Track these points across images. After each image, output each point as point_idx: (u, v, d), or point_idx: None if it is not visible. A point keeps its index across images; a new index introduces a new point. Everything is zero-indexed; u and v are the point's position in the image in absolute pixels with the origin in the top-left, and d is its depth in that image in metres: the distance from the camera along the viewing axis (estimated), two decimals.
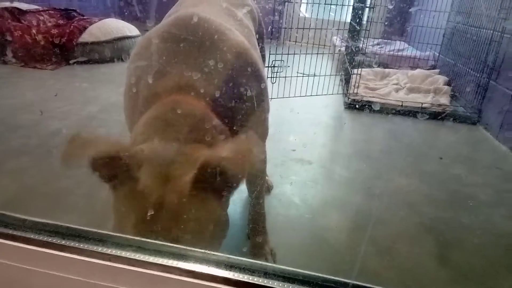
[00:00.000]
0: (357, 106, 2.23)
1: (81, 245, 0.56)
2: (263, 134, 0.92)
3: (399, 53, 2.94)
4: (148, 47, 0.80)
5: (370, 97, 2.30)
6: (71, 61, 2.62)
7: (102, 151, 0.59)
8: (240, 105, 0.81)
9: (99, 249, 0.56)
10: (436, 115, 2.21)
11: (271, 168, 1.54)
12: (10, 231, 0.58)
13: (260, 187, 1.12)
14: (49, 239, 0.57)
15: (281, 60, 2.22)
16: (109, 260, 0.56)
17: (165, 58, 0.76)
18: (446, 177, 1.64)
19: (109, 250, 0.56)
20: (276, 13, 2.35)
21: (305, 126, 2.09)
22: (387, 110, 2.21)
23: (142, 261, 0.56)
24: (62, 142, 1.68)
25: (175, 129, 0.65)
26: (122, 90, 2.23)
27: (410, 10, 3.26)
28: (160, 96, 0.71)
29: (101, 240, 0.57)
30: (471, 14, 2.50)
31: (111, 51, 2.78)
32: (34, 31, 2.68)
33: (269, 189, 1.40)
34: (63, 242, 0.57)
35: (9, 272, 0.59)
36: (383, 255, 1.11)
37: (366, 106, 2.22)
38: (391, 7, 3.15)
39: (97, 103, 2.18)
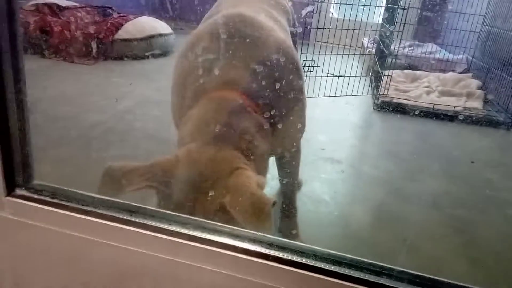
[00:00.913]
0: (387, 107, 2.23)
1: (147, 221, 0.62)
2: (301, 129, 0.96)
3: (431, 56, 2.92)
4: (198, 45, 0.84)
5: (400, 99, 2.29)
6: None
7: (134, 184, 0.63)
8: (283, 100, 0.85)
9: (163, 225, 0.61)
10: (468, 119, 2.19)
11: (301, 166, 1.57)
12: (82, 206, 0.64)
13: (292, 187, 1.15)
14: (118, 215, 0.62)
15: (312, 60, 2.25)
16: (171, 235, 0.61)
17: (215, 55, 0.80)
18: (477, 181, 1.63)
19: (172, 227, 0.61)
20: (307, 13, 2.38)
21: (334, 126, 2.11)
22: (418, 113, 2.20)
23: (201, 238, 0.61)
24: (99, 135, 1.75)
25: (219, 129, 0.68)
26: (155, 85, 2.32)
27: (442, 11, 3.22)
28: (208, 92, 0.75)
29: (165, 218, 0.62)
30: (507, 18, 2.45)
31: (145, 48, 2.88)
32: (73, 27, 2.81)
33: (299, 186, 1.43)
34: (130, 218, 0.62)
35: (78, 243, 0.65)
36: (412, 254, 1.12)
37: (396, 108, 2.22)
38: (423, 10, 3.12)
39: (132, 98, 2.26)
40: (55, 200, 0.64)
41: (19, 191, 0.65)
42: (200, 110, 0.72)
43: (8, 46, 0.62)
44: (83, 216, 0.63)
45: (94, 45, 2.76)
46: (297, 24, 1.35)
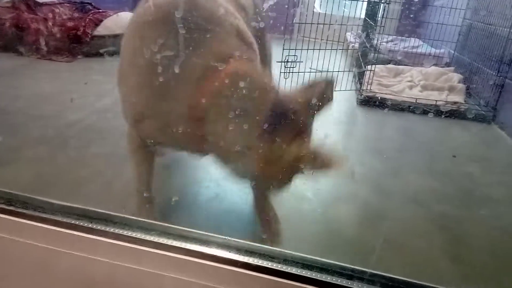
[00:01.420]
0: (370, 102, 2.22)
1: (108, 228, 0.59)
2: None
3: (413, 50, 2.92)
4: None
5: (383, 93, 2.29)
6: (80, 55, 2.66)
7: None
8: None
9: (125, 232, 0.58)
10: (450, 113, 2.20)
11: None
12: (39, 214, 0.60)
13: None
14: (77, 222, 0.59)
15: (294, 55, 2.22)
16: (135, 243, 0.58)
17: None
18: (460, 175, 1.63)
19: (135, 234, 0.58)
20: (290, 8, 2.35)
21: (317, 122, 2.09)
22: (400, 107, 2.20)
23: (166, 244, 0.58)
24: (78, 133, 1.71)
25: None
26: None
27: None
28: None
29: (127, 224, 0.59)
30: (488, 12, 2.46)
31: None
32: (50, 23, 2.73)
33: None
34: (91, 225, 0.59)
35: (37, 253, 0.61)
36: (395, 250, 1.11)
37: (379, 103, 2.22)
38: (405, 4, 3.12)
39: (111, 96, 2.21)
40: (11, 208, 0.60)
41: None
42: None
43: None
44: (40, 225, 0.59)
45: (72, 42, 2.68)
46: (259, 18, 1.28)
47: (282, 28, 2.15)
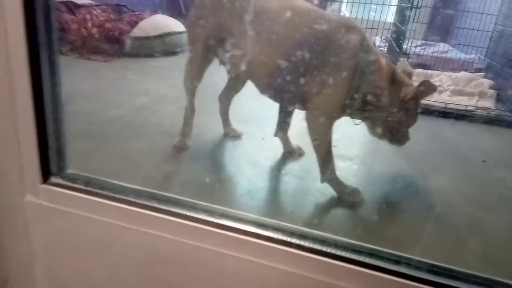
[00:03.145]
0: None
1: (174, 209, 0.65)
2: None
3: (443, 55, 2.91)
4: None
5: None
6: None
7: None
8: None
9: (190, 213, 0.65)
10: (480, 119, 2.19)
11: (314, 162, 1.59)
12: (114, 194, 0.67)
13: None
14: (147, 202, 0.66)
15: None
16: (198, 223, 0.64)
17: None
18: (490, 180, 1.63)
19: (199, 215, 0.65)
20: None
21: (345, 124, 2.12)
22: (429, 112, 2.20)
23: (227, 225, 0.64)
24: (117, 129, 1.80)
25: None
26: (170, 83, 2.36)
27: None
28: None
29: (192, 206, 0.66)
30: None
31: (160, 46, 2.92)
32: (89, 24, 2.86)
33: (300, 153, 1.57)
34: (159, 205, 0.66)
35: (110, 229, 0.68)
36: (424, 251, 1.14)
37: None
38: (435, 9, 3.12)
39: (148, 95, 2.30)
40: (88, 188, 0.68)
41: (54, 179, 0.69)
42: None
43: (46, 41, 0.66)
44: (114, 203, 0.66)
45: (109, 42, 2.81)
46: None
47: None
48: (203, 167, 1.48)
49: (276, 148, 1.66)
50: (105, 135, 1.73)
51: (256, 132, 1.75)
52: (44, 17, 0.64)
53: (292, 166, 1.52)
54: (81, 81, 2.44)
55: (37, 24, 0.62)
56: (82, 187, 0.68)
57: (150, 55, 2.86)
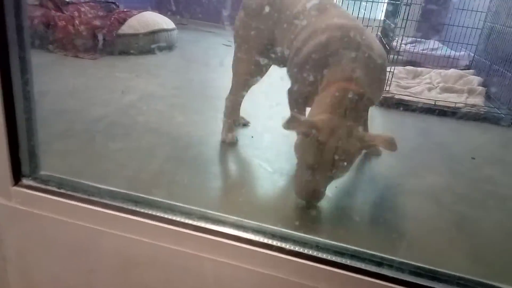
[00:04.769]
0: (388, 103, 2.23)
1: (152, 212, 0.63)
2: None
3: (433, 52, 2.91)
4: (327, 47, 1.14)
5: (402, 95, 2.30)
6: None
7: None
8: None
9: (168, 216, 0.63)
10: (469, 116, 2.19)
11: None
12: (88, 197, 0.65)
13: None
14: (123, 205, 0.63)
15: None
16: (176, 226, 0.62)
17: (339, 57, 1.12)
18: (479, 177, 1.63)
19: (177, 217, 0.63)
20: None
21: None
22: (419, 109, 2.20)
23: (206, 228, 0.62)
24: (103, 128, 1.77)
25: (341, 107, 1.05)
26: (158, 81, 2.33)
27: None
28: (333, 83, 1.09)
29: (170, 208, 0.63)
30: (510, 15, 2.45)
31: (148, 43, 2.88)
32: (77, 21, 2.81)
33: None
34: (135, 207, 0.63)
35: (85, 233, 0.66)
36: (413, 248, 1.13)
37: (398, 104, 2.22)
38: (425, 6, 3.12)
39: (135, 93, 2.27)
40: (61, 190, 0.65)
41: (26, 181, 0.67)
42: (332, 94, 1.07)
43: (16, 38, 0.63)
44: (89, 206, 0.64)
45: (98, 39, 2.76)
46: None
47: None
48: (190, 166, 1.46)
49: (265, 147, 1.64)
50: (90, 133, 1.70)
51: (246, 131, 1.74)
52: (14, 14, 0.61)
53: (281, 166, 1.51)
54: (68, 79, 2.40)
55: (6, 21, 0.59)
56: (55, 189, 0.66)
57: (139, 52, 2.82)
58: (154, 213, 0.63)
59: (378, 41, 1.26)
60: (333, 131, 1.02)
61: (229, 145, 1.58)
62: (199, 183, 1.37)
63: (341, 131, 1.03)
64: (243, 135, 1.69)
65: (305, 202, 1.17)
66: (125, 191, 0.66)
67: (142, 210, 0.63)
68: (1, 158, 0.64)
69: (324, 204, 1.31)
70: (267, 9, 1.36)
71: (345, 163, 1.06)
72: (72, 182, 0.67)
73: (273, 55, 1.49)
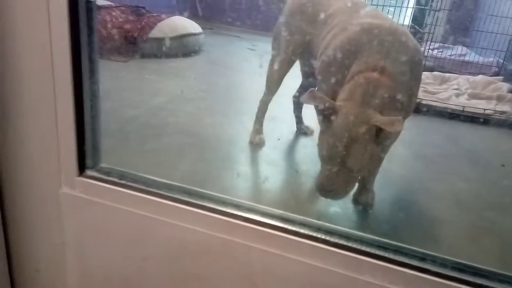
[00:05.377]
0: (416, 109, 2.23)
1: (204, 203, 0.68)
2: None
3: (460, 58, 2.89)
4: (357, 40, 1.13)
5: (429, 100, 2.29)
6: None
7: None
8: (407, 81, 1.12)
9: (219, 207, 0.67)
10: (498, 122, 2.17)
11: None
12: (147, 188, 0.70)
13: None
14: (179, 196, 0.68)
15: None
16: (227, 216, 0.66)
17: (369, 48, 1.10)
18: (509, 184, 1.62)
19: (227, 209, 0.67)
20: None
21: None
22: (447, 115, 2.19)
23: (254, 220, 0.66)
24: (136, 128, 1.84)
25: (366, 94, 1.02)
26: (186, 83, 2.43)
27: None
28: (362, 72, 1.06)
29: (221, 201, 0.68)
30: None
31: (177, 47, 2.97)
32: (109, 25, 2.92)
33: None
34: (190, 199, 0.68)
35: (141, 222, 0.71)
36: (445, 253, 1.14)
37: (425, 110, 2.22)
38: (453, 12, 3.10)
39: (165, 95, 2.35)
40: (122, 181, 0.71)
41: (89, 172, 0.72)
42: (357, 82, 1.05)
43: (87, 40, 0.69)
44: (147, 196, 0.69)
45: (129, 43, 2.86)
46: None
47: None
48: (221, 166, 1.52)
49: (291, 148, 1.68)
50: (124, 134, 1.78)
51: (273, 132, 1.78)
52: (86, 18, 0.67)
53: (308, 167, 1.54)
54: (101, 81, 2.50)
55: (80, 24, 0.65)
56: (116, 180, 0.71)
57: (167, 55, 2.91)
58: (206, 204, 0.67)
59: (417, 43, 1.21)
60: (347, 117, 0.99)
61: (256, 146, 1.63)
62: (230, 182, 1.42)
63: (354, 118, 0.99)
64: (270, 137, 1.73)
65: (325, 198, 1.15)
66: (180, 184, 0.71)
67: (195, 201, 0.68)
68: (69, 151, 0.70)
69: (352, 208, 1.33)
70: (309, 9, 1.39)
71: (361, 154, 1.00)
72: (132, 174, 0.72)
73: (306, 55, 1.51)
